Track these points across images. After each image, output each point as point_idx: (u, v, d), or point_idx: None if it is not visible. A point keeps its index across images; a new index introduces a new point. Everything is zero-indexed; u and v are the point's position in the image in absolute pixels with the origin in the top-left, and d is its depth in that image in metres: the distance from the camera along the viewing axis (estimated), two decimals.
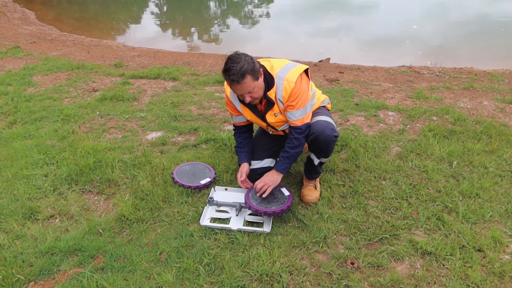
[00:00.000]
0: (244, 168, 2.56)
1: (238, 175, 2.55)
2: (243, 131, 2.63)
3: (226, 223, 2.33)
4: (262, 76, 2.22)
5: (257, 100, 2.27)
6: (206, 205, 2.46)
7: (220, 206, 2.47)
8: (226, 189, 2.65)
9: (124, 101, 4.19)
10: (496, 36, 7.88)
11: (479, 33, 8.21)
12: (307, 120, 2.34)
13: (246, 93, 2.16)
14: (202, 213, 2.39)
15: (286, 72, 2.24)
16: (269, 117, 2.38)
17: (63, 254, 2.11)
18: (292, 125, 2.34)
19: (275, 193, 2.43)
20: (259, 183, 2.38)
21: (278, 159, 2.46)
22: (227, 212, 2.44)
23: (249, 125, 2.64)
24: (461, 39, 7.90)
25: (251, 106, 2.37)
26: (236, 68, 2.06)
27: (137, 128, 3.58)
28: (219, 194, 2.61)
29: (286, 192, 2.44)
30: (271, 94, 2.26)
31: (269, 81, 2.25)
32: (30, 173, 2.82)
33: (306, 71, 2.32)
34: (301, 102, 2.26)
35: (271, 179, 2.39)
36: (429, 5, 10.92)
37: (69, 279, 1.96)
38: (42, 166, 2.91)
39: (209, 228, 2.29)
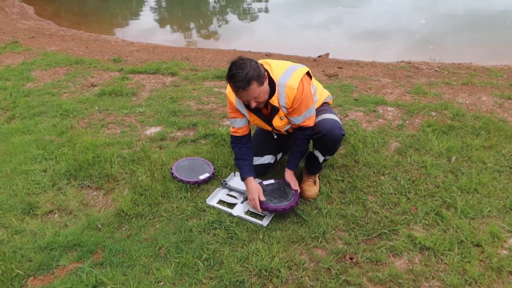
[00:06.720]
0: (253, 185, 2.36)
1: (253, 196, 2.31)
2: (243, 141, 2.49)
3: (231, 208, 2.39)
4: (267, 80, 2.16)
5: (263, 104, 2.23)
6: (219, 187, 2.56)
7: (231, 190, 2.54)
8: None
9: (123, 96, 4.18)
10: (497, 32, 7.85)
11: (478, 28, 8.18)
12: (312, 121, 2.34)
13: (252, 99, 2.12)
14: (213, 192, 2.51)
15: (287, 79, 2.19)
16: (276, 122, 2.37)
17: (62, 249, 2.11)
18: (297, 126, 2.35)
19: (284, 190, 2.43)
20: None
21: (288, 156, 2.49)
22: (236, 198, 2.50)
23: (248, 134, 2.52)
24: (460, 35, 7.87)
25: (257, 111, 2.35)
26: (242, 75, 2.00)
27: (136, 123, 3.57)
28: (237, 180, 2.65)
29: (292, 189, 2.43)
30: (273, 101, 2.22)
31: (271, 87, 2.21)
32: (29, 168, 2.82)
33: (308, 72, 2.30)
34: (305, 106, 2.25)
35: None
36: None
37: (68, 274, 1.96)
38: (41, 161, 2.91)
39: (212, 207, 2.40)
